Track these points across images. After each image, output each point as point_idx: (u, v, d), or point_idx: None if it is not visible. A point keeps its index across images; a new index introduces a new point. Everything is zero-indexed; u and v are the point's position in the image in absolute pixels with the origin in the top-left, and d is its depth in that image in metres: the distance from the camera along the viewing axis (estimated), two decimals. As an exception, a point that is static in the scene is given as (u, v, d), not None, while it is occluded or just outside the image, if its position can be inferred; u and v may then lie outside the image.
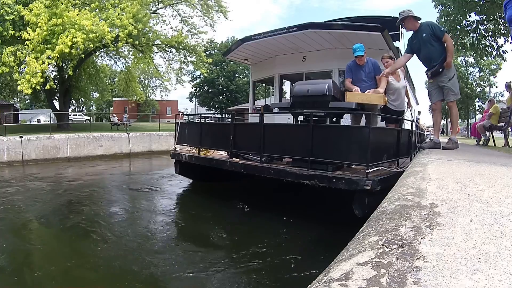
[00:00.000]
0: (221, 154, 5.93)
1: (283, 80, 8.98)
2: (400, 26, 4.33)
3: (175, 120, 7.31)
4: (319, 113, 4.31)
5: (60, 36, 12.08)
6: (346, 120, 5.16)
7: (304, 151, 4.11)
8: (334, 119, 4.57)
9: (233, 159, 5.22)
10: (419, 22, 3.96)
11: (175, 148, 6.84)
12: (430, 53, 3.89)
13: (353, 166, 4.25)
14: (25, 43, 12.03)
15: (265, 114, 6.44)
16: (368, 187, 3.51)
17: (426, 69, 4.07)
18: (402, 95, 4.80)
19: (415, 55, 4.15)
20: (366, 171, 3.57)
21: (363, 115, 4.49)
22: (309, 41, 6.77)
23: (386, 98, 4.38)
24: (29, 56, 12.07)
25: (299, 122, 4.81)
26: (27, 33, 11.82)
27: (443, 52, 3.81)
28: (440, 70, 3.83)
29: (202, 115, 7.11)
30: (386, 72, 4.29)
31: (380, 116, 4.71)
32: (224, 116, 27.31)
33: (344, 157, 3.91)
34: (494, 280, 0.64)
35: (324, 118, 4.42)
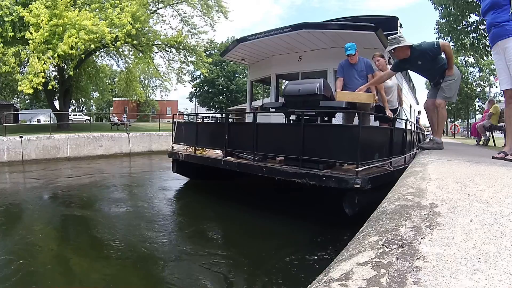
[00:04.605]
0: (217, 153, 5.97)
1: (282, 80, 8.99)
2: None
3: (173, 119, 7.38)
4: (310, 112, 4.32)
5: (64, 36, 12.10)
6: (338, 119, 5.17)
7: (296, 150, 4.15)
8: (326, 118, 4.59)
9: (228, 157, 5.25)
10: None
11: (172, 147, 6.86)
12: (433, 73, 3.80)
13: (345, 165, 4.26)
14: (29, 42, 12.05)
15: (262, 114, 6.49)
16: (358, 186, 3.53)
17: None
18: (394, 93, 4.84)
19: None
20: (356, 169, 3.59)
21: (356, 115, 4.50)
22: (304, 41, 6.79)
23: (376, 97, 4.40)
24: (31, 57, 12.09)
25: (291, 121, 4.84)
26: (30, 33, 11.83)
27: (444, 64, 3.66)
28: (441, 80, 3.75)
29: (199, 114, 7.15)
30: (364, 86, 4.21)
31: (373, 116, 4.73)
32: (223, 116, 27.34)
33: (335, 156, 3.94)
34: (494, 280, 0.64)
35: (316, 117, 4.44)
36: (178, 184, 7.36)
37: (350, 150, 3.71)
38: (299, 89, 4.46)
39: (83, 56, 14.20)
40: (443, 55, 3.70)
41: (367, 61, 4.61)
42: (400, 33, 6.79)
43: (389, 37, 3.78)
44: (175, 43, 17.32)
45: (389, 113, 4.49)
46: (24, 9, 12.21)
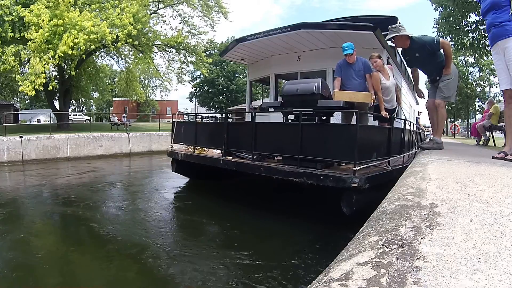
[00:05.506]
0: (216, 152, 5.98)
1: (281, 80, 9.00)
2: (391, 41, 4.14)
3: (172, 119, 7.39)
4: (308, 111, 4.33)
5: (63, 36, 12.09)
6: (336, 119, 5.18)
7: (294, 149, 4.16)
8: (324, 118, 4.61)
9: (226, 157, 5.26)
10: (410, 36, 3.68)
11: (172, 146, 6.87)
12: (430, 69, 3.81)
13: (343, 164, 4.28)
14: (28, 43, 12.05)
15: (262, 114, 6.51)
16: (355, 185, 3.54)
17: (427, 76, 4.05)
18: (392, 93, 4.84)
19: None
20: (354, 168, 3.60)
21: (354, 114, 4.50)
22: (303, 41, 6.80)
23: (374, 97, 4.40)
24: (32, 57, 12.09)
25: (289, 121, 4.85)
26: (30, 33, 11.83)
27: (443, 61, 3.69)
28: (438, 78, 3.77)
29: (198, 114, 7.17)
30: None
31: (372, 115, 4.73)
32: (222, 116, 27.34)
33: (333, 155, 3.96)
34: (494, 280, 0.64)
35: (314, 117, 4.46)
36: (177, 184, 7.36)
37: (347, 150, 3.72)
38: (297, 89, 4.48)
39: (83, 56, 14.20)
40: (442, 52, 3.71)
41: (365, 61, 4.61)
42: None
43: (389, 26, 3.78)
44: (175, 44, 17.33)
45: (384, 113, 4.50)
46: (24, 9, 12.20)
